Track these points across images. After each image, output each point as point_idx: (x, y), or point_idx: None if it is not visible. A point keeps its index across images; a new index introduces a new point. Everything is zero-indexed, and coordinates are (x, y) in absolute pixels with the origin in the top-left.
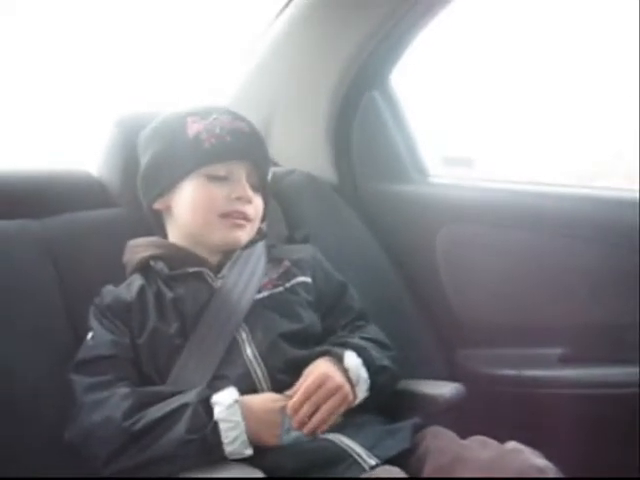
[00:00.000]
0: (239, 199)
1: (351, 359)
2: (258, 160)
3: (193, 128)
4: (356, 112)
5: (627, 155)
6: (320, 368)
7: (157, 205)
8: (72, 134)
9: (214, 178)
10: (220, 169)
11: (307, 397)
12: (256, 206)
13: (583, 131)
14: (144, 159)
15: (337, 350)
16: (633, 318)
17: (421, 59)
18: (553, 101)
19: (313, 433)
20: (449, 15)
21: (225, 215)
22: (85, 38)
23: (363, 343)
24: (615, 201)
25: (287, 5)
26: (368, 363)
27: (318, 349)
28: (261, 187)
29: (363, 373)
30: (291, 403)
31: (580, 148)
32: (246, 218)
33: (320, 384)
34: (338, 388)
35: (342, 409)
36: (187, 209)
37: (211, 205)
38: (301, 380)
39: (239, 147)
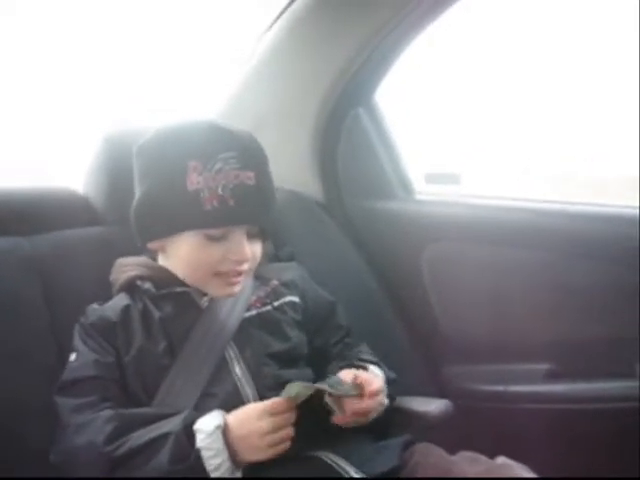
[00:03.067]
0: (236, 261)
1: (376, 370)
2: (261, 219)
3: (193, 181)
4: (342, 129)
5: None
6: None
7: (151, 245)
8: (58, 151)
9: (212, 238)
10: (219, 231)
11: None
12: (254, 255)
13: (571, 146)
14: (138, 190)
15: (359, 363)
16: (621, 333)
17: (406, 76)
18: (539, 116)
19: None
20: (434, 31)
21: (221, 274)
22: (76, 45)
23: (373, 359)
24: (604, 217)
25: (274, 23)
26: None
27: (340, 363)
28: (262, 233)
29: (385, 387)
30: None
31: (568, 163)
32: (241, 274)
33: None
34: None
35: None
36: (182, 263)
37: (207, 264)
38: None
39: (242, 212)
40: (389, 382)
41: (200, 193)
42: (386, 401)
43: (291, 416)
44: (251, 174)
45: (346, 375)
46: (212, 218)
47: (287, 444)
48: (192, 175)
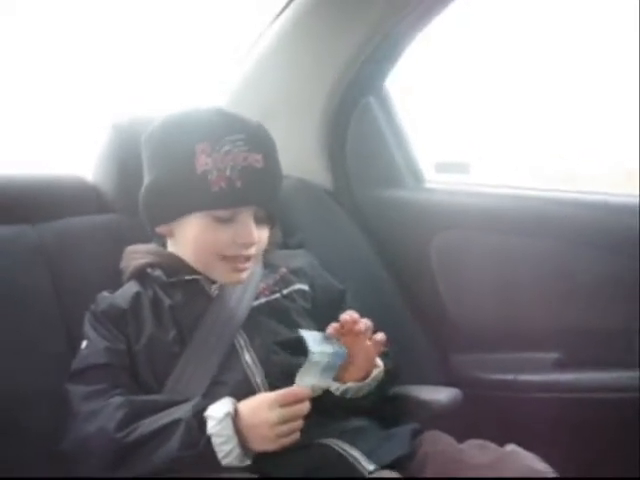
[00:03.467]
0: (243, 244)
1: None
2: (268, 201)
3: (202, 162)
4: (351, 118)
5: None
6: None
7: (160, 230)
8: (68, 139)
9: (220, 220)
10: (227, 212)
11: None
12: (261, 240)
13: (580, 136)
14: (147, 175)
15: None
16: (630, 323)
17: (417, 64)
18: (550, 105)
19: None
20: (444, 20)
21: (228, 258)
22: (82, 40)
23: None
24: (614, 206)
25: (282, 11)
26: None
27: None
28: (269, 218)
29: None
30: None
31: (577, 153)
32: (249, 258)
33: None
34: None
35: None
36: (189, 246)
37: (214, 247)
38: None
39: (248, 193)
40: (382, 356)
41: (208, 175)
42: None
43: (303, 408)
44: (259, 156)
45: (329, 330)
46: (219, 199)
47: (296, 435)
48: (201, 157)
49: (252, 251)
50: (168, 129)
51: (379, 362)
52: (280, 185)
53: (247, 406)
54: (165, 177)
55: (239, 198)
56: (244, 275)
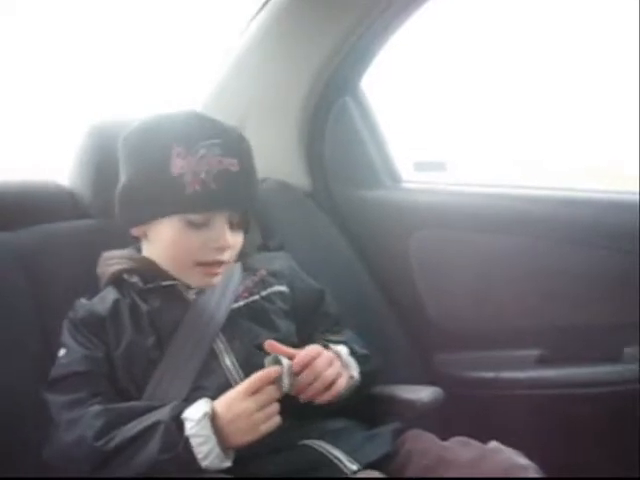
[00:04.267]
0: (217, 249)
1: (339, 346)
2: (243, 205)
3: (177, 165)
4: (328, 118)
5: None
6: (312, 346)
7: (134, 231)
8: (45, 144)
9: (194, 225)
10: (201, 217)
11: (306, 364)
12: (235, 245)
13: (561, 133)
14: (123, 176)
15: (324, 342)
16: (610, 318)
17: (393, 64)
18: (528, 103)
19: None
20: (420, 19)
21: (202, 263)
22: (57, 45)
23: (343, 339)
24: (592, 202)
25: (257, 13)
26: (353, 352)
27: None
28: (244, 223)
29: (352, 361)
30: (297, 360)
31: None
32: (223, 264)
33: (316, 355)
34: (333, 359)
35: (341, 385)
36: (163, 250)
37: (188, 252)
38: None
39: (223, 197)
40: (363, 359)
41: (183, 177)
42: (355, 374)
43: (272, 390)
44: (234, 161)
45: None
46: (194, 202)
47: (276, 419)
48: (176, 160)
49: (226, 256)
50: (144, 131)
51: (352, 366)
52: (256, 189)
53: (221, 403)
54: (140, 178)
55: (214, 201)
56: (216, 280)
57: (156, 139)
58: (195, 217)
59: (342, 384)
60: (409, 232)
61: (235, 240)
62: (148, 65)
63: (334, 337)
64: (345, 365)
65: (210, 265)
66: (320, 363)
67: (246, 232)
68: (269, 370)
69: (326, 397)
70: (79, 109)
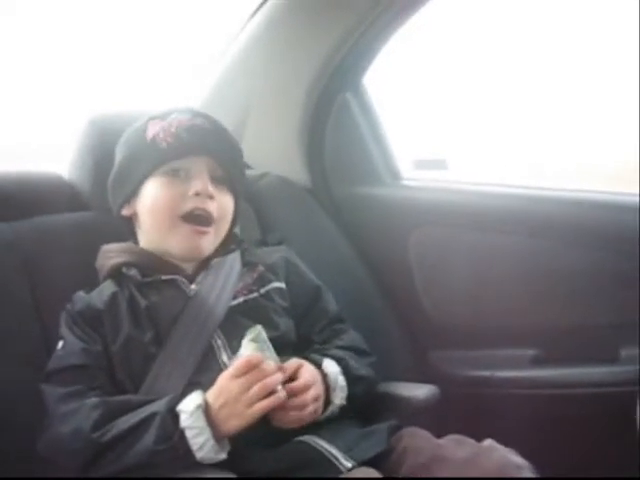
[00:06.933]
0: (198, 195)
1: (330, 366)
2: (219, 154)
3: (151, 130)
4: (329, 114)
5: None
6: (294, 360)
7: (124, 212)
8: (45, 136)
9: (173, 176)
10: (178, 166)
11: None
12: (221, 204)
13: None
14: (114, 167)
15: (315, 357)
16: (605, 318)
17: (395, 61)
18: (529, 101)
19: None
20: (422, 16)
21: (187, 218)
22: (58, 40)
23: (341, 353)
24: (592, 203)
25: (260, 8)
26: (346, 372)
27: (295, 358)
28: (229, 182)
29: (341, 381)
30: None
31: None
32: (209, 218)
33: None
34: (310, 385)
35: (310, 409)
36: (148, 211)
37: (170, 204)
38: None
39: (196, 143)
40: (356, 380)
41: (156, 137)
42: (340, 400)
43: (259, 373)
44: (205, 121)
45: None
46: (168, 153)
47: (263, 404)
48: (151, 127)
49: (211, 207)
50: (134, 129)
51: (339, 387)
52: (233, 145)
53: (212, 392)
54: (123, 156)
55: (186, 147)
56: (205, 243)
57: (139, 121)
58: (173, 165)
59: (313, 410)
60: (408, 229)
61: (222, 200)
62: (149, 60)
63: (331, 350)
64: (332, 387)
65: (195, 220)
66: (296, 386)
67: (237, 197)
68: (254, 357)
69: (294, 422)
70: (81, 103)
